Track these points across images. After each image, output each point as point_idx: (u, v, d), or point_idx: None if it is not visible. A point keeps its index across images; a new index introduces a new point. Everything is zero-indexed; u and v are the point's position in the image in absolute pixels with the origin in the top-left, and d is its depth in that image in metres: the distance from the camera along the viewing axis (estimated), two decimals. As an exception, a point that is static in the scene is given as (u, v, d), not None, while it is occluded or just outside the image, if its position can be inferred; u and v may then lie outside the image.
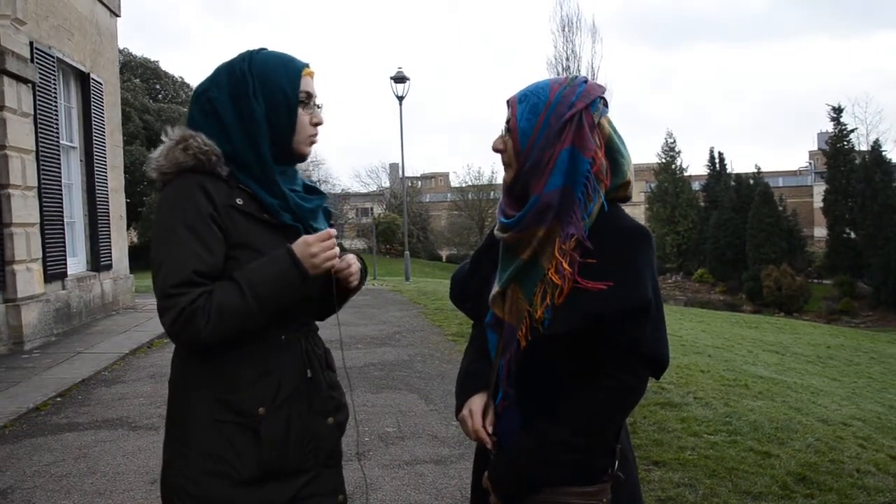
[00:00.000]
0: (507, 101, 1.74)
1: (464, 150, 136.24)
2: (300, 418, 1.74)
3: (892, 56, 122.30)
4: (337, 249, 1.75)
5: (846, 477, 4.21)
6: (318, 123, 1.83)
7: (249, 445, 1.68)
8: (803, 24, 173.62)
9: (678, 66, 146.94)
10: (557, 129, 1.64)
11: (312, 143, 1.83)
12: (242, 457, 1.67)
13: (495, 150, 1.75)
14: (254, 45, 1.85)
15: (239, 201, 1.71)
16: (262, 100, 1.73)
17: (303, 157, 1.84)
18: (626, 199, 1.74)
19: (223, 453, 1.67)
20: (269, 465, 1.69)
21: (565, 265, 1.61)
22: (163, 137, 1.75)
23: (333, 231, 1.76)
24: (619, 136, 1.71)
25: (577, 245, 1.62)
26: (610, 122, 1.70)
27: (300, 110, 1.77)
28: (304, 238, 1.71)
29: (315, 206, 1.86)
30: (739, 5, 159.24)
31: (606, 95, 1.73)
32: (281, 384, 1.72)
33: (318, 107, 1.85)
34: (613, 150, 1.68)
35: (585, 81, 1.71)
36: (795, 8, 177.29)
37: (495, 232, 1.78)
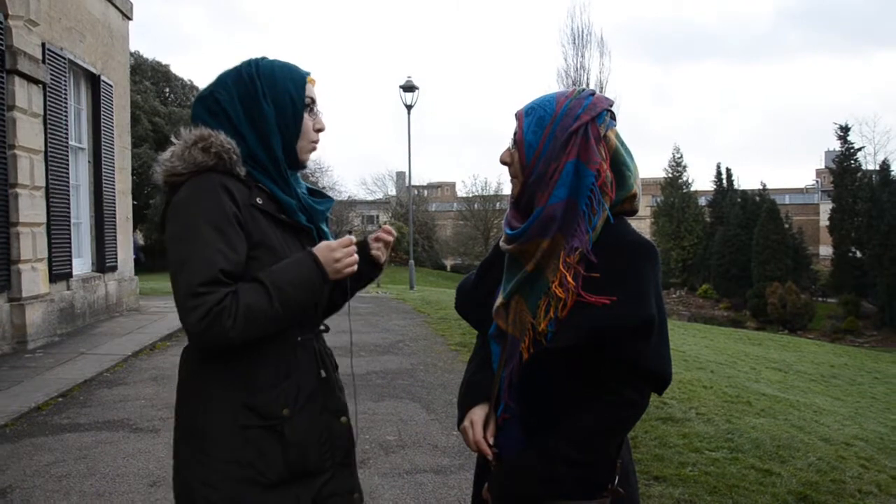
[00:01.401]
0: (515, 115, 1.75)
1: (467, 159, 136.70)
2: (318, 418, 1.76)
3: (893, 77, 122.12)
4: (356, 257, 1.77)
5: (848, 497, 4.18)
6: (321, 129, 1.85)
7: (275, 448, 1.68)
8: (806, 43, 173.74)
9: (682, 81, 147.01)
10: (563, 141, 1.64)
11: (313, 149, 1.85)
12: (269, 460, 1.68)
13: (502, 162, 1.76)
14: (256, 55, 1.87)
15: (259, 200, 1.73)
16: (271, 103, 1.76)
17: (303, 165, 1.85)
18: (633, 212, 1.74)
19: (250, 459, 1.67)
20: (294, 465, 1.70)
21: (569, 278, 1.61)
22: (173, 139, 1.74)
23: (354, 238, 1.78)
24: (627, 149, 1.71)
25: (582, 258, 1.62)
26: (617, 135, 1.70)
27: (305, 115, 1.80)
28: (328, 243, 1.73)
29: (326, 209, 1.89)
30: (742, 24, 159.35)
31: (614, 109, 1.73)
32: (300, 385, 1.74)
33: (320, 113, 1.89)
34: (619, 163, 1.68)
35: (592, 94, 1.71)
36: (798, 28, 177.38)
37: (500, 244, 1.78)
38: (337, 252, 1.72)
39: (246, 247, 1.68)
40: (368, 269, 1.99)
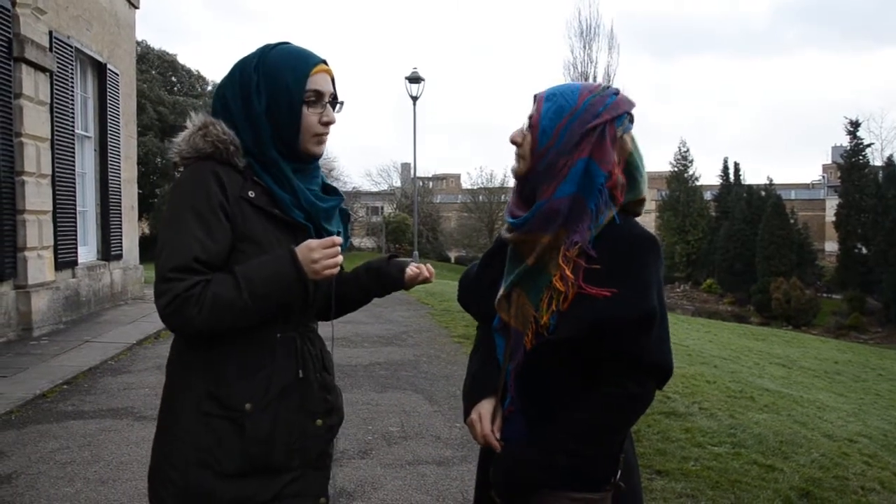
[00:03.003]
0: (535, 96, 1.72)
1: (472, 151, 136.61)
2: (288, 417, 1.73)
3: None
4: (341, 258, 1.72)
5: (850, 494, 4.18)
6: (329, 122, 1.79)
7: (235, 440, 1.67)
8: (805, 40, 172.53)
9: (681, 77, 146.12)
10: (579, 136, 1.62)
11: (320, 142, 1.80)
12: (227, 450, 1.67)
13: (513, 141, 1.73)
14: (275, 39, 1.84)
15: (251, 194, 1.71)
16: (264, 96, 1.73)
17: (313, 156, 1.82)
18: (637, 214, 1.74)
19: (209, 446, 1.67)
20: (254, 460, 1.69)
21: (568, 272, 1.60)
22: (186, 123, 1.76)
23: (339, 239, 1.73)
24: (640, 155, 1.69)
25: (582, 252, 1.61)
26: (633, 139, 1.68)
27: (306, 109, 1.75)
28: (308, 242, 1.70)
29: (330, 207, 1.84)
30: (739, 20, 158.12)
31: (633, 112, 1.71)
32: (271, 381, 1.71)
33: (340, 103, 1.83)
34: (632, 168, 1.67)
35: (616, 93, 1.68)
36: (795, 25, 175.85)
37: (502, 233, 1.78)
38: (315, 252, 1.68)
39: (230, 237, 1.67)
40: (378, 287, 2.05)
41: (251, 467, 1.69)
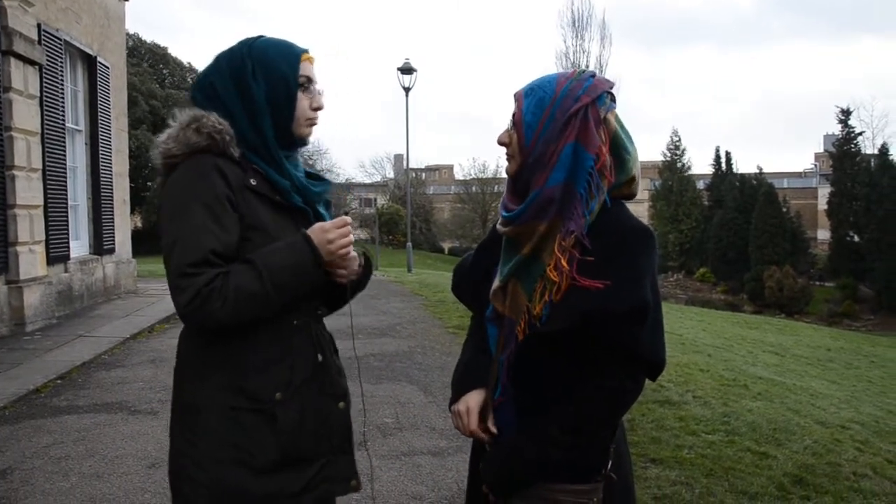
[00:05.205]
0: (514, 95, 1.73)
1: (465, 142, 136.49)
2: (313, 403, 1.74)
3: (883, 63, 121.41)
4: (352, 237, 1.74)
5: (843, 480, 4.21)
6: (319, 108, 1.83)
7: (266, 432, 1.67)
8: (791, 31, 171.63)
9: (671, 67, 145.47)
10: (562, 123, 1.62)
11: (312, 125, 1.83)
12: (259, 444, 1.66)
13: (500, 143, 1.74)
14: (253, 33, 1.86)
15: (253, 182, 1.71)
16: (262, 82, 1.74)
17: (303, 141, 1.84)
18: (631, 196, 1.73)
19: (239, 441, 1.66)
20: (286, 451, 1.68)
21: (563, 262, 1.60)
22: (170, 121, 1.74)
23: (349, 219, 1.75)
24: (627, 132, 1.69)
25: (577, 242, 1.61)
26: (617, 118, 1.68)
27: (300, 94, 1.78)
28: (321, 224, 1.72)
29: (322, 191, 1.86)
30: (727, 10, 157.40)
31: (614, 91, 1.72)
32: (294, 368, 1.72)
33: (319, 92, 1.85)
34: (619, 147, 1.67)
35: (593, 76, 1.68)
36: (780, 13, 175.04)
37: (497, 226, 1.77)
38: (330, 233, 1.70)
39: (239, 228, 1.67)
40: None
41: (284, 459, 1.68)
